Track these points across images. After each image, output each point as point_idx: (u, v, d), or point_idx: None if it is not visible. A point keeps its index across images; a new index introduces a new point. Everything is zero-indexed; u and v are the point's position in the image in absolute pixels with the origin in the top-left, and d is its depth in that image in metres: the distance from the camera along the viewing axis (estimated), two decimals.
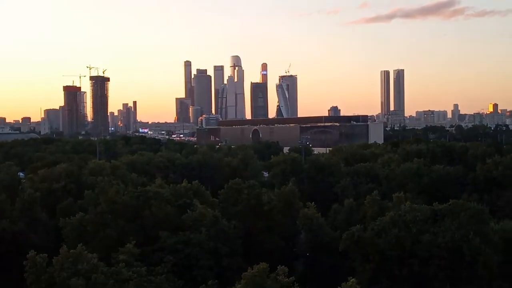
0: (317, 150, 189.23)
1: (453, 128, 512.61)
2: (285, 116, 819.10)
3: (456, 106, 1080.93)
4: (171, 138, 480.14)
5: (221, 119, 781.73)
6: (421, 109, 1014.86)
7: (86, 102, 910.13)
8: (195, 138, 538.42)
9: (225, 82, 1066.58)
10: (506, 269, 53.00)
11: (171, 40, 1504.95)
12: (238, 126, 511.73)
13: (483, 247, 50.66)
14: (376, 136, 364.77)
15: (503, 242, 54.14)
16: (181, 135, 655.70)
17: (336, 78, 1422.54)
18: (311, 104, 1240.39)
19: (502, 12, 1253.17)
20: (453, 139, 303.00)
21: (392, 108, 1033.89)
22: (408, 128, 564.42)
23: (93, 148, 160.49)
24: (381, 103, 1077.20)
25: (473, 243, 50.22)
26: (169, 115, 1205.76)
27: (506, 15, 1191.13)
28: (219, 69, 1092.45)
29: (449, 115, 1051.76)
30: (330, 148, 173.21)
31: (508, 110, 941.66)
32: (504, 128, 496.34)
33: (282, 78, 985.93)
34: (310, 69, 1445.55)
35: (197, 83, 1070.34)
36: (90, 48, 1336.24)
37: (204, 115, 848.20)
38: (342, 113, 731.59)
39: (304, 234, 67.78)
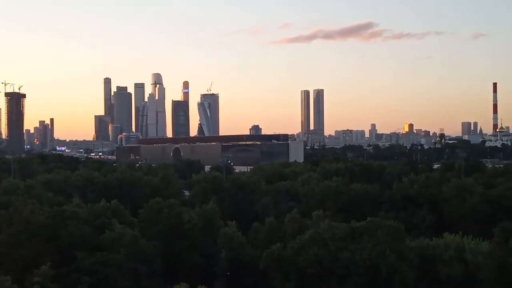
0: (238, 169, 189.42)
1: (371, 147, 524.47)
2: (206, 134, 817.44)
3: (373, 125, 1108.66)
4: (89, 156, 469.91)
5: (141, 137, 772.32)
6: (340, 129, 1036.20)
7: (0, 119, 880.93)
8: (115, 157, 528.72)
9: (146, 99, 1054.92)
10: (421, 286, 54.30)
11: (91, 57, 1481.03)
12: (159, 144, 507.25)
13: (399, 264, 51.79)
14: (297, 154, 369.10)
15: (418, 259, 55.51)
16: (100, 153, 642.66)
17: (258, 97, 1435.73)
18: (232, 122, 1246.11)
19: (418, 35, 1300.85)
20: (371, 158, 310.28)
21: (312, 127, 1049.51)
22: (327, 147, 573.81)
23: (7, 167, 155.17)
24: (302, 122, 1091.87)
25: (390, 260, 51.27)
26: (88, 133, 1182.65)
27: (422, 38, 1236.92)
28: (139, 87, 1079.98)
29: (367, 135, 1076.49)
30: (251, 167, 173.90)
31: (423, 130, 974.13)
32: (419, 147, 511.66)
33: (203, 96, 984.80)
34: (232, 88, 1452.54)
35: (117, 101, 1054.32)
36: (5, 63, 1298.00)
37: (124, 133, 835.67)
38: (263, 132, 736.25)
39: (224, 253, 67.54)
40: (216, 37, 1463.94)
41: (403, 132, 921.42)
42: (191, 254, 64.96)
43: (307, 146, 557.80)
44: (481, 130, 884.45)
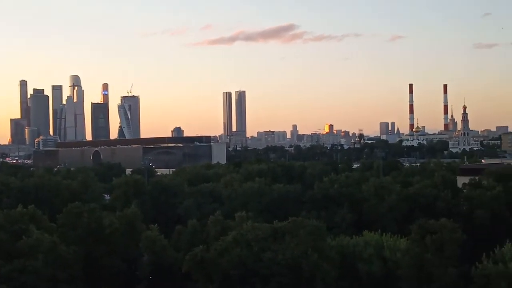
0: (160, 171, 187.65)
1: (292, 148, 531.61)
2: (127, 137, 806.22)
3: (295, 126, 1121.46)
4: (5, 161, 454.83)
5: (59, 141, 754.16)
6: (262, 130, 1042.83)
7: None
8: (32, 161, 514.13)
9: (64, 102, 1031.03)
10: (343, 284, 55.27)
11: (5, 59, 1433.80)
12: (78, 148, 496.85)
13: (321, 263, 52.55)
14: (219, 156, 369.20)
15: (339, 257, 56.53)
16: (17, 158, 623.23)
17: (180, 99, 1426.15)
18: (154, 125, 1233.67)
19: (338, 37, 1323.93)
20: (293, 158, 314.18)
21: (234, 128, 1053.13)
22: (250, 148, 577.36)
23: None
24: (224, 124, 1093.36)
25: (312, 259, 51.93)
26: (3, 137, 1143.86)
27: (341, 40, 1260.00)
28: (57, 89, 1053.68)
29: (289, 136, 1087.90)
30: (174, 169, 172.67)
31: (343, 130, 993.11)
32: (339, 147, 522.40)
33: (124, 98, 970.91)
34: (153, 90, 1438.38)
35: (34, 103, 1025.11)
36: None
37: (41, 137, 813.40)
38: (185, 134, 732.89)
39: (146, 256, 66.80)
40: (137, 38, 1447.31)
41: (324, 132, 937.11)
42: (112, 259, 63.91)
43: (229, 147, 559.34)
44: (398, 130, 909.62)
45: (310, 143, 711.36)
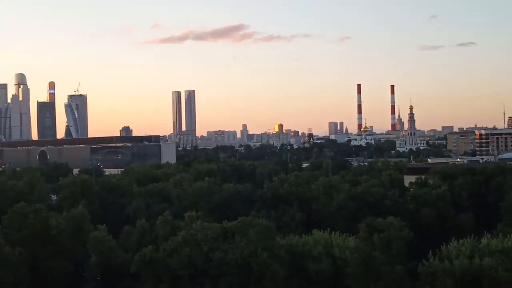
0: (108, 171, 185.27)
1: (243, 148, 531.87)
2: (74, 136, 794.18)
3: (245, 126, 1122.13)
4: None
5: (4, 140, 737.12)
6: (212, 129, 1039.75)
7: None
8: None
9: (9, 101, 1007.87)
10: (292, 282, 55.55)
11: None
12: (24, 147, 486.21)
13: (270, 262, 52.68)
14: (169, 156, 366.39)
15: (289, 256, 56.79)
16: None
17: (128, 98, 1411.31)
18: (102, 124, 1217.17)
19: (288, 37, 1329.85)
20: (243, 158, 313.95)
21: (184, 128, 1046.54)
22: (199, 148, 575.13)
23: None
24: (173, 123, 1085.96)
25: (261, 258, 52.03)
26: None
27: (291, 40, 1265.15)
28: (2, 88, 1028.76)
29: (239, 135, 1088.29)
30: (122, 169, 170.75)
31: (292, 130, 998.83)
32: (289, 147, 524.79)
33: (71, 97, 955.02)
34: (101, 89, 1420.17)
35: None
36: None
37: None
38: (134, 133, 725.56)
39: (94, 257, 65.88)
40: (85, 37, 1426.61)
41: (274, 132, 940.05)
42: (59, 260, 62.76)
43: (179, 147, 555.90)
44: (347, 129, 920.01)
45: (260, 143, 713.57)
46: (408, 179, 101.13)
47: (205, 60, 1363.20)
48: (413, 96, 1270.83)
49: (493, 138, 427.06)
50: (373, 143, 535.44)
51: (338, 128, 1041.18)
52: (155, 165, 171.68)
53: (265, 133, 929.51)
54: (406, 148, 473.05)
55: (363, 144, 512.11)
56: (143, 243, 60.26)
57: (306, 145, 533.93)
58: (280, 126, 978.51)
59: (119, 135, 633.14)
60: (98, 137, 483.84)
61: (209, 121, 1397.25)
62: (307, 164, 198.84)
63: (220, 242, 54.24)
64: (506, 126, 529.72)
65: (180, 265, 52.61)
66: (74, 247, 65.95)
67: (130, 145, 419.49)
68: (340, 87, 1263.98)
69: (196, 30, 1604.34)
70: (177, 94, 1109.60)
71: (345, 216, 78.35)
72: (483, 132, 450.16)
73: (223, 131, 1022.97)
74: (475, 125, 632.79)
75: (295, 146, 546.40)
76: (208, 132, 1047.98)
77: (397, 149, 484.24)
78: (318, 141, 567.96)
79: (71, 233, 66.62)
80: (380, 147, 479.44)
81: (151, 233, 66.81)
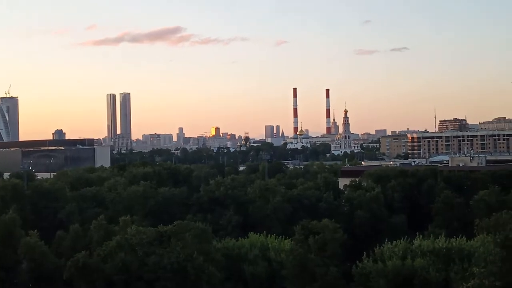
0: (41, 175, 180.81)
1: (179, 151, 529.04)
2: (5, 140, 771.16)
3: (181, 129, 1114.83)
4: None
5: None
6: (147, 133, 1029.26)
7: None
8: None
9: None
10: (228, 285, 55.52)
11: None
12: None
13: (206, 266, 52.52)
14: (103, 159, 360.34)
15: (225, 260, 56.74)
16: None
17: (62, 101, 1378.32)
18: (34, 127, 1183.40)
19: (225, 40, 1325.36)
20: (179, 161, 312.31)
21: (119, 131, 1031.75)
22: (135, 151, 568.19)
23: None
24: (108, 126, 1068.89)
25: (197, 262, 51.81)
26: None
27: (228, 43, 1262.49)
28: None
29: (175, 138, 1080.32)
30: (55, 173, 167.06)
31: (229, 133, 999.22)
32: (225, 150, 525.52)
33: (1, 99, 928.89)
34: (34, 91, 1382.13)
35: None
36: None
37: None
38: (67, 137, 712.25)
39: (26, 263, 64.26)
40: (16, 37, 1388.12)
41: (210, 135, 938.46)
42: None
43: (114, 150, 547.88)
44: (283, 133, 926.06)
45: (197, 146, 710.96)
46: (343, 182, 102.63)
47: (140, 63, 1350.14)
48: (348, 100, 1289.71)
49: (424, 141, 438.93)
50: (309, 146, 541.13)
51: (275, 132, 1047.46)
52: (89, 168, 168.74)
53: (202, 136, 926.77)
54: (341, 151, 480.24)
55: (299, 147, 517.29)
56: (77, 249, 59.16)
57: (243, 148, 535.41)
58: (217, 129, 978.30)
59: (51, 138, 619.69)
60: (30, 141, 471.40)
61: (144, 124, 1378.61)
62: (244, 167, 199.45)
63: (155, 246, 53.76)
64: (437, 130, 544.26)
65: (115, 270, 51.88)
66: (4, 253, 64.16)
67: (63, 148, 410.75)
68: (277, 90, 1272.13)
69: (132, 32, 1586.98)
70: (112, 97, 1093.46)
71: (281, 218, 78.82)
72: (415, 135, 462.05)
73: (159, 134, 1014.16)
74: (408, 128, 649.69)
75: (231, 149, 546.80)
76: (143, 135, 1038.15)
77: (332, 152, 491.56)
78: (255, 144, 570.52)
79: (1, 239, 64.82)
80: (316, 150, 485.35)
81: (85, 238, 65.66)
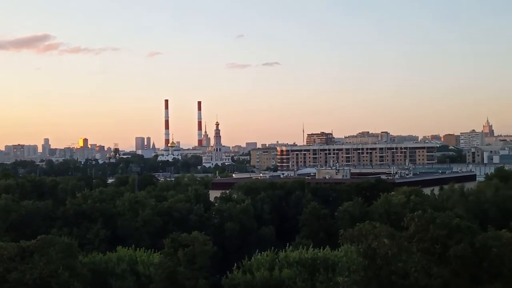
0: None
1: (44, 163, 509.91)
2: None
3: (47, 140, 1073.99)
4: None
5: None
6: (10, 143, 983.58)
7: None
8: None
9: None
10: None
11: None
12: None
13: (72, 281, 50.78)
14: None
15: (91, 274, 55.14)
16: None
17: None
18: None
19: (96, 50, 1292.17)
20: (44, 173, 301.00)
21: None
22: None
23: None
24: None
25: (62, 277, 49.91)
26: None
27: (99, 53, 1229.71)
28: None
29: (40, 150, 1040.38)
30: None
31: (97, 145, 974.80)
32: (94, 162, 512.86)
33: None
34: None
35: None
36: None
37: None
38: None
39: None
40: None
41: (78, 147, 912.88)
42: None
43: None
44: (154, 145, 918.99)
45: (63, 158, 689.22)
46: (214, 194, 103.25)
47: (6, 71, 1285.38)
48: (219, 113, 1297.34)
49: (293, 154, 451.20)
50: (180, 158, 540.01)
51: (145, 143, 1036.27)
52: None
53: (69, 147, 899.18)
54: (212, 164, 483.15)
55: (170, 160, 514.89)
56: None
57: (112, 160, 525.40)
58: (85, 140, 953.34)
59: None
60: None
61: (7, 134, 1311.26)
62: (113, 180, 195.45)
63: (17, 262, 51.20)
64: (305, 143, 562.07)
65: None
66: None
67: None
68: (148, 102, 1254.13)
69: None
70: None
71: (150, 232, 77.94)
72: (284, 148, 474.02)
73: (22, 145, 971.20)
74: (277, 141, 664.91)
75: (100, 161, 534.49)
76: (6, 146, 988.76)
77: (204, 164, 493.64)
78: (125, 156, 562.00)
79: None
80: (187, 163, 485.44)
81: None
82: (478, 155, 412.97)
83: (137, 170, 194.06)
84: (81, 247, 62.56)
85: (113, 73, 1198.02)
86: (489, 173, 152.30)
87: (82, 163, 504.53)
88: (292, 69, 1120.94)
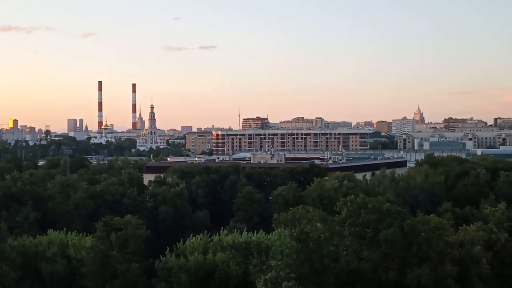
0: None
1: None
2: None
3: None
4: None
5: None
6: None
7: None
8: None
9: None
10: (24, 284, 53.08)
11: None
12: None
13: (0, 265, 49.72)
14: None
15: (21, 258, 54.06)
16: None
17: None
18: None
19: (28, 29, 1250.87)
20: None
21: None
22: None
23: None
24: None
25: None
26: None
27: (31, 32, 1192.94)
28: None
29: None
30: None
31: (28, 126, 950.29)
32: (24, 144, 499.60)
33: None
34: None
35: None
36: None
37: None
38: None
39: None
40: None
41: (7, 127, 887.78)
42: None
43: None
44: (86, 127, 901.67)
45: None
46: (148, 178, 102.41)
47: None
48: (154, 95, 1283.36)
49: (228, 138, 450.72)
50: (114, 141, 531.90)
51: (78, 125, 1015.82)
52: None
53: None
54: (147, 147, 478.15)
55: (103, 142, 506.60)
56: None
57: (43, 142, 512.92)
58: (15, 121, 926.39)
59: None
60: None
61: None
62: (44, 162, 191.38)
63: None
64: (240, 128, 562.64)
65: None
66: None
67: None
68: (81, 83, 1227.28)
69: None
70: None
71: (82, 215, 76.98)
72: (219, 132, 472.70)
73: None
74: (213, 125, 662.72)
75: (31, 143, 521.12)
76: None
77: (138, 147, 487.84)
78: (56, 138, 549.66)
79: None
80: (121, 146, 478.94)
81: None
82: (409, 142, 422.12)
83: (69, 153, 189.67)
84: (10, 231, 61.19)
85: (46, 53, 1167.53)
86: (419, 160, 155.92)
87: (12, 144, 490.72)
88: (229, 53, 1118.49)
